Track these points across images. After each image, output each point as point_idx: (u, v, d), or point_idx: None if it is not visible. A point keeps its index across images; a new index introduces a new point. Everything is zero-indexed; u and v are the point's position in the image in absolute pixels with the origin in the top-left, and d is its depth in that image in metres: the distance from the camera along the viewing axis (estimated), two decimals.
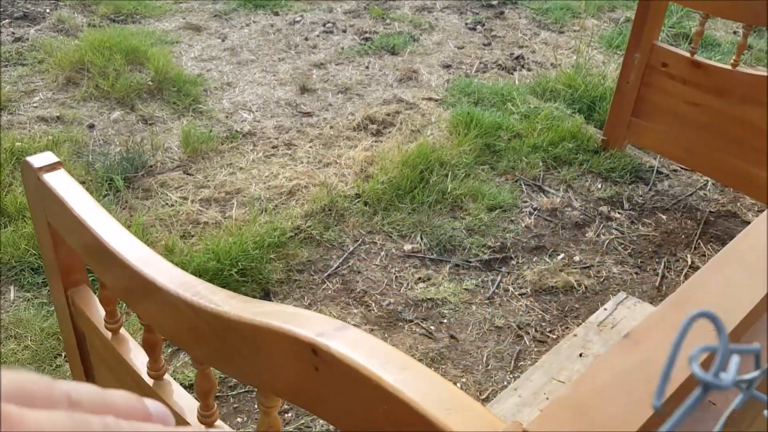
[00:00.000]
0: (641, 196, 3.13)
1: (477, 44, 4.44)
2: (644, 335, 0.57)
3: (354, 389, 0.75)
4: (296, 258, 2.61)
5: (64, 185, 1.35)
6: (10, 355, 2.09)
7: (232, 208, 2.86)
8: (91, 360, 1.66)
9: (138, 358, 1.39)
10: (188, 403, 1.27)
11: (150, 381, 1.33)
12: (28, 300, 2.32)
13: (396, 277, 2.60)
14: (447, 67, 4.16)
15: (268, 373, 0.91)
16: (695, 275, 0.64)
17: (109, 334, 1.45)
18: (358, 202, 2.91)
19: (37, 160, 1.40)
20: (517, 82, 3.98)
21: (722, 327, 0.29)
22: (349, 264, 2.64)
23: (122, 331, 1.47)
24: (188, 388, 2.08)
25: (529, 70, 4.16)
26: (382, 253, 2.71)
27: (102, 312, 1.46)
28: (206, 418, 1.19)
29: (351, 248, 2.71)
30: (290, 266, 2.58)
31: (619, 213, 3.02)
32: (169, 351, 2.22)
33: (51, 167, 1.40)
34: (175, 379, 2.09)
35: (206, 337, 1.02)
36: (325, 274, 2.58)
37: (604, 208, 3.04)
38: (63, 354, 2.12)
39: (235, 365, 0.99)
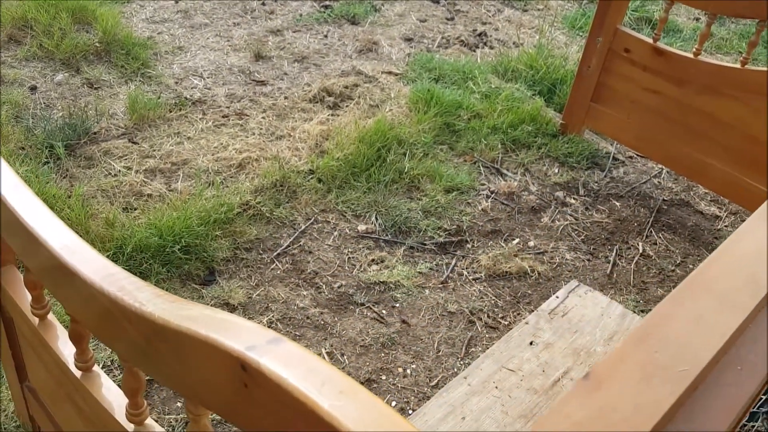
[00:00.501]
0: (596, 182, 3.12)
1: (440, 18, 4.35)
2: (606, 376, 0.51)
3: (285, 412, 0.69)
4: (244, 235, 2.52)
5: None
6: None
7: (178, 180, 2.74)
8: (20, 345, 1.56)
9: (66, 347, 1.30)
10: (117, 399, 1.18)
11: (78, 373, 1.24)
12: None
13: (349, 258, 2.54)
14: (408, 40, 4.06)
15: (195, 384, 0.84)
16: (659, 306, 0.59)
17: (36, 320, 1.36)
18: (311, 178, 2.82)
19: None
20: (479, 59, 3.91)
21: None
22: (300, 243, 2.56)
23: (50, 316, 1.37)
24: None
25: (491, 47, 4.09)
26: (335, 233, 2.63)
27: (29, 296, 1.36)
28: (135, 417, 1.11)
29: (303, 227, 2.62)
30: (237, 244, 2.49)
31: (574, 199, 3.00)
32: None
33: None
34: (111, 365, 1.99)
35: (130, 337, 0.94)
36: (275, 254, 2.49)
37: (560, 194, 3.01)
38: None
39: (161, 371, 0.91)
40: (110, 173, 2.71)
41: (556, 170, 3.14)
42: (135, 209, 2.53)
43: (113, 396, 1.20)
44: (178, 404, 1.96)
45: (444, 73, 3.62)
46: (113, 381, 1.25)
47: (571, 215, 2.91)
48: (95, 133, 2.91)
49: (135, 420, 1.11)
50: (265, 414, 0.72)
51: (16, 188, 1.15)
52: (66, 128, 2.85)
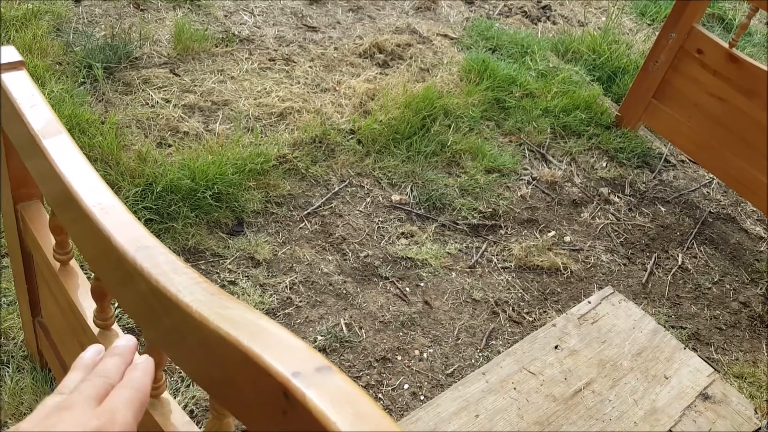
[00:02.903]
0: (644, 183, 2.99)
1: None
2: None
3: None
4: (277, 189, 2.44)
5: (24, 92, 1.15)
6: None
7: (217, 121, 2.65)
8: (37, 282, 1.51)
9: (86, 300, 1.24)
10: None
11: (96, 329, 1.18)
12: None
13: (378, 227, 2.46)
14: (470, 3, 3.88)
15: (227, 391, 0.77)
16: None
17: (57, 264, 1.29)
18: (351, 138, 2.72)
19: None
20: (539, 34, 3.74)
21: None
22: (332, 205, 2.48)
23: (72, 263, 1.31)
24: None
25: (554, 23, 3.91)
26: (368, 199, 2.55)
27: (52, 239, 1.29)
28: (152, 390, 1.06)
29: (336, 188, 2.54)
30: (269, 197, 2.41)
31: (618, 197, 2.88)
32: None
33: (12, 66, 1.19)
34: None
35: (157, 317, 0.87)
36: (305, 212, 2.42)
37: (605, 190, 2.89)
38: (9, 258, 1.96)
39: (190, 364, 0.84)
40: (147, 103, 2.62)
41: (604, 164, 3.01)
42: (169, 146, 2.46)
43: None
44: None
45: (501, 44, 3.46)
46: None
47: (613, 214, 2.80)
48: (136, 58, 2.82)
49: (152, 393, 1.05)
50: None
51: (58, 136, 1.07)
52: (107, 49, 2.76)
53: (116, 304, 1.85)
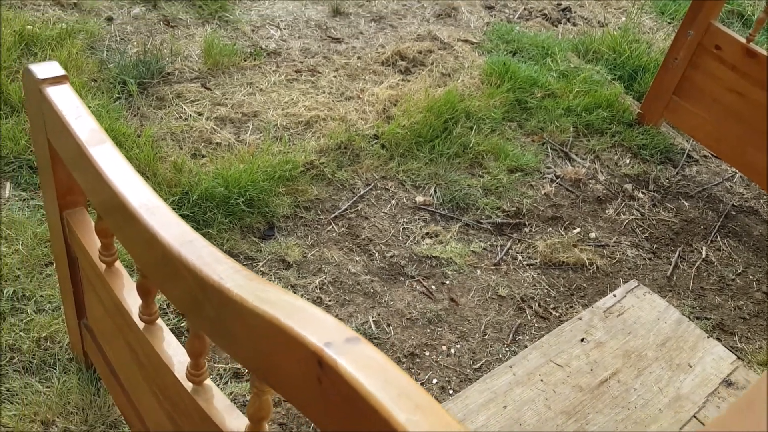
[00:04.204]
0: (668, 178, 3.01)
1: None
2: None
3: (357, 416, 0.68)
4: (305, 195, 2.52)
5: (69, 104, 1.25)
6: None
7: (247, 132, 2.75)
8: (82, 284, 1.60)
9: (131, 297, 1.33)
10: (178, 355, 1.21)
11: (141, 324, 1.26)
12: (24, 200, 2.25)
13: (403, 228, 2.52)
14: (490, 8, 3.95)
15: (266, 366, 0.84)
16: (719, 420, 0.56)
17: (102, 266, 1.39)
18: (375, 143, 2.80)
19: (41, 69, 1.29)
20: (560, 36, 3.78)
21: None
22: (358, 208, 2.56)
23: (117, 264, 1.40)
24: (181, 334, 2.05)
25: (574, 24, 3.95)
26: (393, 201, 2.62)
27: (97, 242, 1.39)
28: (195, 377, 1.14)
29: (362, 192, 2.62)
30: (298, 202, 2.49)
31: (642, 193, 2.91)
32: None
33: (56, 80, 1.29)
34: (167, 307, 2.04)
35: (201, 305, 0.95)
36: (332, 216, 2.50)
37: (629, 186, 2.92)
38: (54, 264, 2.06)
39: (232, 346, 0.92)
40: (181, 117, 2.73)
41: (628, 161, 3.04)
42: (203, 156, 2.56)
43: (173, 351, 1.22)
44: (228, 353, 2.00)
45: (522, 47, 3.52)
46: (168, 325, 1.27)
47: (637, 210, 2.83)
48: (169, 74, 2.93)
49: (195, 380, 1.13)
50: (336, 412, 0.72)
51: (103, 144, 1.16)
52: (140, 65, 2.88)
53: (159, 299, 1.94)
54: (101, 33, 3.08)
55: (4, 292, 1.94)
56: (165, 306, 2.07)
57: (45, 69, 1.28)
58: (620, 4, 4.21)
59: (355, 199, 2.58)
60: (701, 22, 2.79)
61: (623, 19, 3.92)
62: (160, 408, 1.32)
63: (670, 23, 4.02)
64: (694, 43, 2.84)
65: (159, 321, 1.28)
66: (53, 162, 1.38)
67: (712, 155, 3.20)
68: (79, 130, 1.19)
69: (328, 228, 2.46)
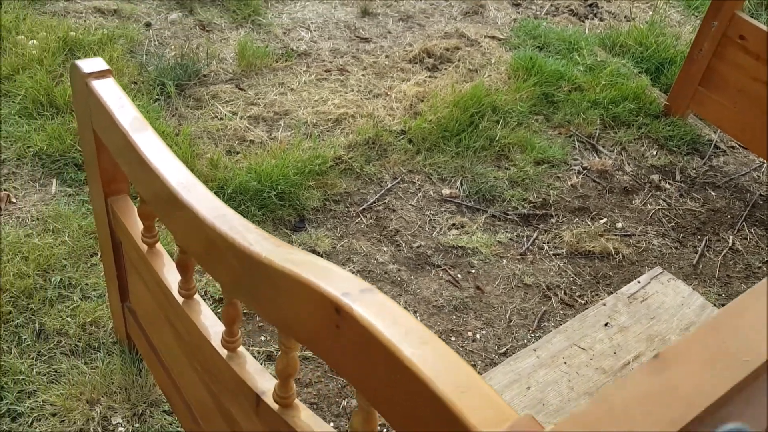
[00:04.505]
0: (695, 169, 3.02)
1: None
2: (674, 357, 0.55)
3: (371, 354, 0.76)
4: (334, 188, 2.61)
5: (113, 95, 1.35)
6: (46, 249, 2.15)
7: (279, 130, 2.85)
8: (125, 268, 1.71)
9: (171, 275, 1.42)
10: (214, 326, 1.30)
11: (180, 299, 1.36)
12: (69, 195, 2.38)
13: (430, 220, 2.59)
14: (517, 5, 4.00)
15: (290, 320, 0.92)
16: (738, 299, 0.61)
17: (145, 248, 1.49)
18: (402, 138, 2.87)
19: (87, 64, 1.39)
20: (587, 31, 3.81)
21: None
22: (385, 201, 2.63)
23: (158, 246, 1.50)
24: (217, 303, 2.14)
25: (601, 20, 3.97)
26: (420, 194, 2.69)
27: (140, 225, 1.49)
28: (230, 344, 1.22)
29: (389, 185, 2.69)
30: (327, 195, 2.58)
31: (669, 184, 2.93)
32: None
33: (100, 74, 1.39)
34: (208, 290, 2.14)
35: (235, 271, 1.03)
36: (361, 208, 2.58)
37: (656, 177, 2.94)
38: (98, 253, 2.18)
39: (260, 304, 1.00)
40: (216, 116, 2.85)
41: (654, 152, 3.06)
42: (237, 153, 2.67)
43: (210, 323, 1.31)
44: (261, 338, 2.09)
45: (549, 42, 3.56)
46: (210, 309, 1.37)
47: (664, 200, 2.84)
48: (205, 76, 3.06)
49: (229, 347, 1.22)
50: (352, 353, 0.80)
51: (144, 130, 1.26)
52: (177, 68, 3.00)
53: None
54: (140, 38, 3.22)
55: (52, 280, 2.07)
56: (202, 294, 2.18)
57: (90, 64, 1.38)
58: None
59: (382, 192, 2.66)
60: (725, 12, 2.80)
61: (650, 13, 3.93)
62: (199, 380, 1.41)
63: (696, 16, 4.02)
64: (718, 33, 2.86)
65: (197, 296, 1.37)
66: (98, 151, 1.49)
67: (739, 145, 3.19)
68: (123, 119, 1.29)
69: (357, 220, 2.54)
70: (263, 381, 1.16)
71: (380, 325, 0.74)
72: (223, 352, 1.22)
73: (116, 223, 1.59)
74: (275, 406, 1.09)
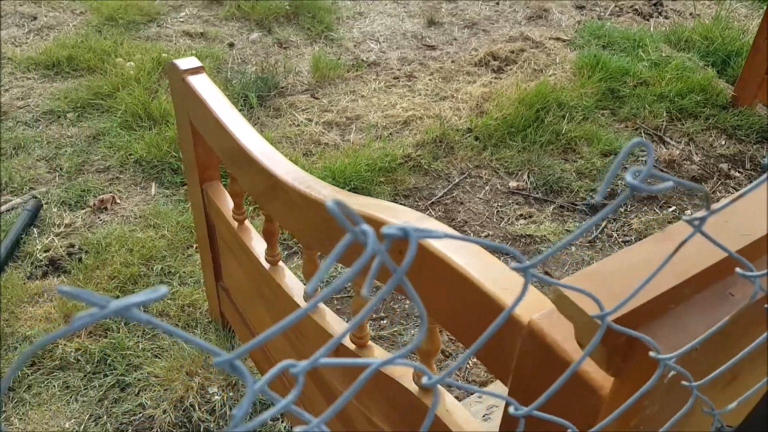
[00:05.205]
0: (765, 157, 3.00)
1: None
2: (677, 235, 0.65)
3: (429, 269, 0.89)
4: (404, 184, 2.76)
5: (206, 88, 1.55)
6: (148, 241, 2.40)
7: (351, 133, 3.03)
8: (218, 248, 1.91)
9: (258, 246, 1.60)
10: (296, 287, 1.46)
11: (267, 265, 1.53)
12: (167, 196, 2.63)
13: (498, 211, 2.70)
14: (580, 8, 4.07)
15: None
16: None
17: (235, 224, 1.67)
18: (469, 136, 3.00)
19: (183, 63, 1.60)
20: (652, 29, 3.84)
21: (651, 151, 0.39)
22: (453, 195, 2.76)
23: (246, 222, 1.69)
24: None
25: (666, 17, 3.99)
26: (487, 188, 2.80)
27: (230, 204, 1.68)
28: (272, 258, 1.39)
29: (457, 180, 2.82)
30: (397, 191, 2.73)
31: (739, 172, 2.92)
32: (284, 254, 2.46)
33: (194, 71, 1.60)
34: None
35: (313, 223, 1.19)
36: (429, 202, 2.71)
37: (725, 166, 2.95)
38: (194, 246, 2.41)
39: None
40: (294, 123, 3.06)
41: (723, 142, 3.06)
42: (313, 155, 2.86)
43: (293, 284, 1.48)
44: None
45: (613, 41, 3.62)
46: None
47: (734, 188, 2.84)
48: (283, 88, 3.29)
49: (272, 261, 1.38)
50: (415, 273, 0.93)
51: (234, 115, 1.45)
52: (258, 81, 3.25)
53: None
54: (225, 56, 3.49)
55: (154, 268, 2.30)
56: None
57: (186, 62, 1.59)
58: None
59: (450, 186, 2.79)
60: None
61: (716, 9, 3.92)
62: (287, 343, 1.58)
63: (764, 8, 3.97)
64: None
65: (281, 263, 1.54)
66: (195, 141, 1.69)
67: None
68: (216, 107, 1.48)
69: (426, 213, 2.67)
70: (341, 328, 1.30)
71: (435, 242, 0.87)
72: (305, 305, 1.38)
73: (210, 206, 1.79)
74: (352, 347, 1.24)
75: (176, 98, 1.70)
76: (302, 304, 1.40)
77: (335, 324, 1.32)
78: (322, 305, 1.39)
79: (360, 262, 0.31)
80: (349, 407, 1.35)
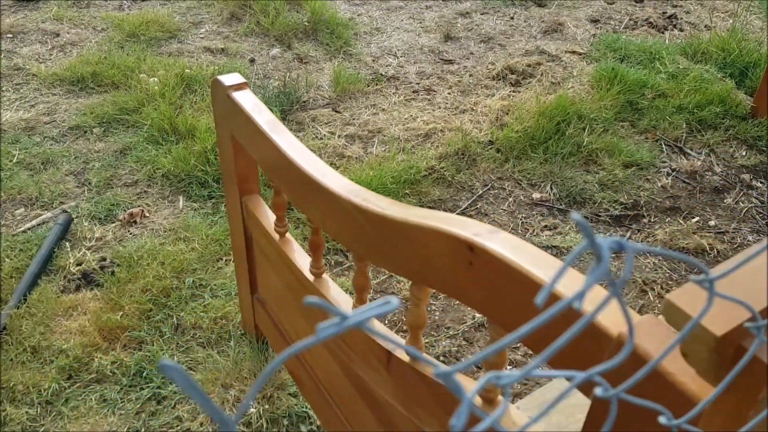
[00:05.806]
0: None
1: (629, 0, 4.33)
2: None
3: (503, 281, 0.91)
4: (428, 195, 2.78)
5: (251, 102, 1.57)
6: (179, 254, 2.41)
7: (374, 146, 3.06)
8: (255, 260, 1.92)
9: (301, 259, 1.62)
10: (343, 299, 1.48)
11: (311, 277, 1.55)
12: (195, 209, 2.65)
13: (522, 222, 2.71)
14: (595, 21, 4.10)
15: (424, 267, 1.08)
16: None
17: (277, 236, 1.69)
18: (490, 148, 3.02)
19: (227, 79, 1.63)
20: (667, 41, 3.88)
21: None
22: (477, 206, 2.78)
23: (288, 235, 1.70)
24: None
25: (681, 30, 4.02)
26: (510, 199, 2.82)
27: (271, 217, 1.70)
28: (316, 270, 1.40)
29: (480, 192, 2.84)
30: (422, 202, 2.75)
31: (761, 182, 2.94)
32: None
33: (239, 86, 1.62)
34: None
35: (369, 235, 1.21)
36: (454, 213, 2.73)
37: (746, 176, 2.96)
38: (224, 258, 2.42)
39: (393, 260, 1.17)
40: (317, 137, 3.09)
41: (744, 153, 3.08)
42: (337, 167, 2.89)
43: (340, 297, 1.49)
44: None
45: (629, 53, 3.65)
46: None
47: (756, 198, 2.86)
48: (304, 102, 3.32)
49: (316, 273, 1.39)
50: (486, 284, 0.95)
51: (280, 128, 1.47)
52: (281, 96, 3.28)
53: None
54: (246, 72, 3.52)
55: (186, 281, 2.32)
56: None
57: (230, 78, 1.62)
58: (727, 8, 4.24)
59: (473, 198, 2.81)
60: None
61: (730, 22, 3.95)
62: (327, 353, 1.59)
63: None
64: None
65: (325, 275, 1.55)
66: (236, 154, 1.71)
67: None
68: (262, 121, 1.51)
69: None
70: (391, 338, 1.32)
71: (511, 255, 0.89)
72: None
73: (249, 218, 1.81)
74: (407, 359, 1.25)
75: (218, 113, 1.72)
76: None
77: (385, 334, 1.33)
78: (328, 279, 1.40)
79: (597, 273, 0.33)
80: (398, 418, 1.36)
